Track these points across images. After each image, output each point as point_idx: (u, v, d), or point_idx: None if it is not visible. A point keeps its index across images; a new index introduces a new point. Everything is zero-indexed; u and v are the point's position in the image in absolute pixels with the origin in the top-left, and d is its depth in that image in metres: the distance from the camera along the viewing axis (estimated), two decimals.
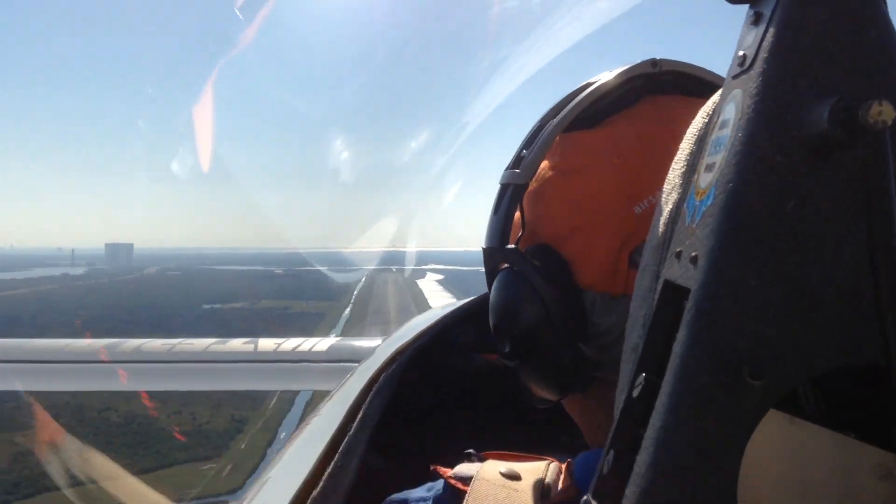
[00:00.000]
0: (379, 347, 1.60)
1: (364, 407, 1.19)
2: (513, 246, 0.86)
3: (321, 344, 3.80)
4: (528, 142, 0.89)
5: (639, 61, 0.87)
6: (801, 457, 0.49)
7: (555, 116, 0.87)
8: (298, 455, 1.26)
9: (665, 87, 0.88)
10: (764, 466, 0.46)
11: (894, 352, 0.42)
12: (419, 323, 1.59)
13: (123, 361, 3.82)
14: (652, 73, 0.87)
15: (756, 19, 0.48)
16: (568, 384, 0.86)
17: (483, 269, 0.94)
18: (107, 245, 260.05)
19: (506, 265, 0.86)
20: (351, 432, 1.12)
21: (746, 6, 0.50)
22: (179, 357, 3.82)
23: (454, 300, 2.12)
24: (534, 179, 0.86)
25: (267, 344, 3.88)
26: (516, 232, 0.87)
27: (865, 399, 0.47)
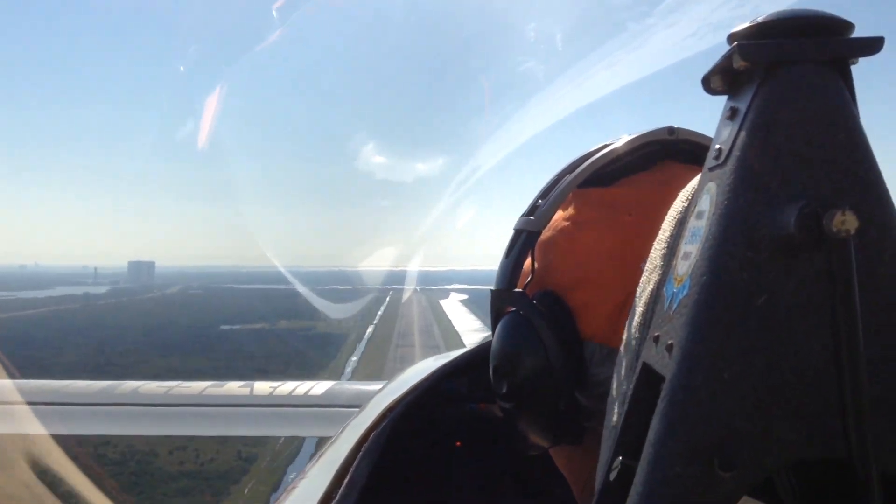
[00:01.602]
0: (371, 402, 1.58)
1: (351, 471, 1.18)
2: (520, 290, 0.88)
3: (317, 388, 3.57)
4: (545, 193, 0.91)
5: (656, 128, 0.90)
6: None
7: (572, 172, 0.90)
8: None
9: (680, 155, 0.89)
10: None
11: (855, 446, 0.43)
12: (412, 376, 1.57)
13: (119, 404, 3.63)
14: (668, 140, 0.89)
15: (732, 114, 0.50)
16: (561, 431, 0.86)
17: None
18: (129, 263, 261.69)
19: (512, 308, 0.88)
20: (336, 500, 1.11)
21: (725, 98, 0.52)
22: (176, 401, 3.63)
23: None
24: (547, 228, 0.89)
25: (262, 387, 3.66)
26: (525, 277, 0.90)
27: (836, 489, 0.48)
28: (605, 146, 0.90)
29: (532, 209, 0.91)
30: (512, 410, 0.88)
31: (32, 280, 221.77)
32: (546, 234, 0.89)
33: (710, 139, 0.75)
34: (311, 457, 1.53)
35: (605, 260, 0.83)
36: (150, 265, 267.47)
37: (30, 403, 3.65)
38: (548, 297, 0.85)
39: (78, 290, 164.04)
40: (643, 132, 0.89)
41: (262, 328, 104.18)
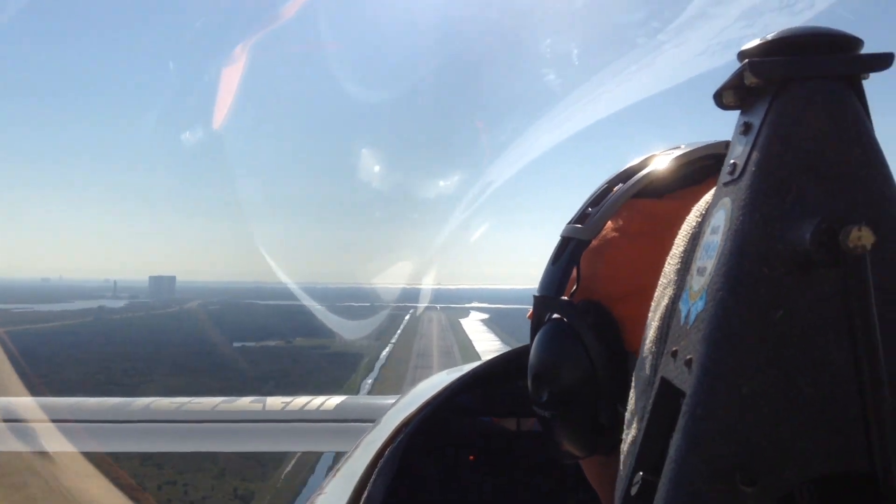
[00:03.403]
0: (385, 416, 1.59)
1: (368, 487, 1.20)
2: (566, 298, 0.88)
3: (330, 402, 3.38)
4: (595, 201, 0.91)
5: (713, 141, 0.91)
6: None
7: (624, 181, 0.90)
8: None
9: None
10: None
11: (879, 458, 0.43)
12: (426, 390, 1.59)
13: (131, 421, 3.44)
14: (723, 155, 0.87)
15: (745, 129, 0.50)
16: (599, 442, 0.86)
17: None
18: (150, 278, 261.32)
19: (556, 316, 0.88)
20: None
21: (738, 112, 0.52)
22: (188, 417, 3.42)
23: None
24: (595, 238, 0.89)
25: (275, 402, 3.46)
26: (570, 286, 0.89)
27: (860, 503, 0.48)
28: (652, 157, 0.90)
29: (581, 217, 0.89)
30: (550, 419, 0.87)
31: (53, 293, 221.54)
32: (595, 243, 0.88)
33: None
34: (327, 472, 1.50)
35: (655, 272, 0.78)
36: (171, 280, 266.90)
37: (39, 421, 3.41)
38: (594, 307, 0.84)
39: (95, 304, 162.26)
40: (700, 145, 0.88)
41: (277, 346, 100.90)
